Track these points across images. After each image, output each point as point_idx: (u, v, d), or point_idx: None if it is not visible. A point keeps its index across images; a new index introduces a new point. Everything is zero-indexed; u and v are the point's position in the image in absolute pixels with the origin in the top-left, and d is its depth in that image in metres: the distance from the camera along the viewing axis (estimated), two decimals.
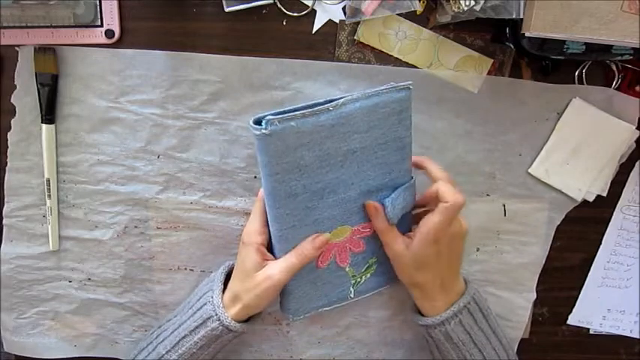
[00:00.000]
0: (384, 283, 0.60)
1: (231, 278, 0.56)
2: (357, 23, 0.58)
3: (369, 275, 0.59)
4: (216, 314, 0.53)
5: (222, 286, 0.56)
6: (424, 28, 0.58)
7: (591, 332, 0.70)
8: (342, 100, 0.50)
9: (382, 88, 0.51)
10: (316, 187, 0.52)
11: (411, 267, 0.55)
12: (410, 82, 0.52)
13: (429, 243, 0.52)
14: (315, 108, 0.49)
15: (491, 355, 0.57)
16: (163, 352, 0.54)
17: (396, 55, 0.59)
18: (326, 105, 0.49)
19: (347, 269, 0.57)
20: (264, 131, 0.47)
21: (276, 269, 0.52)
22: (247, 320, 0.56)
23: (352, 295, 0.59)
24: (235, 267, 0.56)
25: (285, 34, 0.58)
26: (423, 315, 0.57)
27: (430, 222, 0.52)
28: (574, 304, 0.69)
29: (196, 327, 0.53)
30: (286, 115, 0.47)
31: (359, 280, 0.58)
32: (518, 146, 0.62)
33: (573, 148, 0.62)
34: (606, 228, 0.66)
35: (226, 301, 0.54)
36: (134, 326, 0.65)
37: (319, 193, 0.52)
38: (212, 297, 0.54)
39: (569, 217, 0.65)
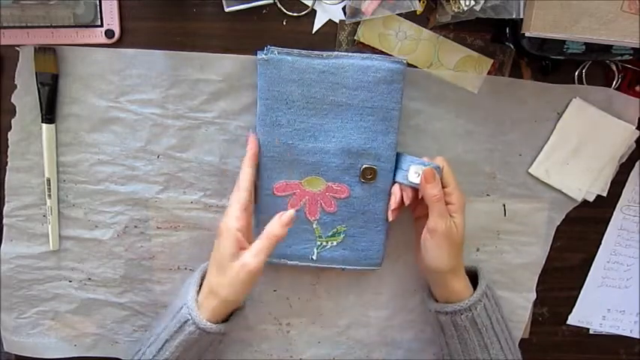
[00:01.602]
0: (350, 261, 0.61)
1: (207, 271, 0.54)
2: (357, 23, 0.58)
3: (335, 243, 0.60)
4: (191, 318, 0.51)
5: (199, 288, 0.54)
6: (424, 28, 0.58)
7: (591, 332, 0.70)
8: (338, 52, 0.56)
9: (377, 55, 0.56)
10: (299, 126, 0.57)
11: (458, 244, 0.55)
12: (405, 58, 0.57)
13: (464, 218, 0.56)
14: (312, 51, 0.56)
15: (508, 341, 0.57)
16: (150, 358, 0.54)
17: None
18: (322, 52, 0.56)
19: (314, 225, 0.59)
20: (263, 56, 0.55)
21: (250, 256, 0.51)
22: (229, 317, 0.55)
23: (314, 257, 0.60)
24: (211, 259, 0.54)
25: (285, 34, 0.58)
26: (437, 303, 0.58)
27: (463, 199, 0.55)
28: (574, 304, 0.69)
29: (175, 332, 0.52)
30: (286, 49, 0.55)
31: (324, 243, 0.60)
32: (518, 146, 0.62)
33: (573, 148, 0.62)
34: (606, 228, 0.66)
35: (202, 297, 0.53)
36: (134, 326, 0.65)
37: (301, 134, 0.57)
38: (187, 300, 0.53)
39: (569, 217, 0.65)
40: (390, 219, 0.58)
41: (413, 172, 0.55)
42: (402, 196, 0.57)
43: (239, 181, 0.55)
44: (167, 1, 0.57)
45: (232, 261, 0.51)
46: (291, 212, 0.53)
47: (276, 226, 0.52)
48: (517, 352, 0.60)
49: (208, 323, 0.51)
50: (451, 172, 0.56)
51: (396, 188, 0.58)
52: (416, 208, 0.59)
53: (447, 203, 0.55)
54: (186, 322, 0.52)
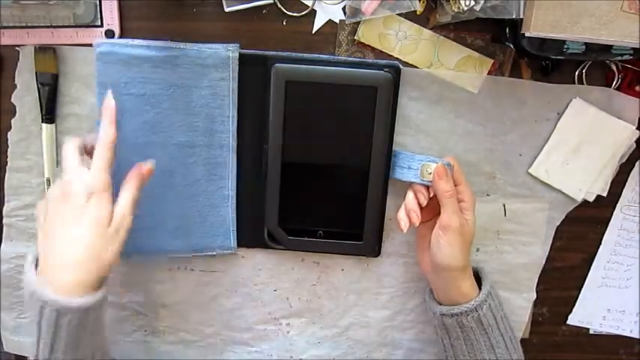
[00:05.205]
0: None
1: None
2: (357, 23, 0.58)
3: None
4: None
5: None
6: (424, 28, 0.58)
7: (591, 332, 0.70)
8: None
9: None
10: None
11: (469, 242, 0.55)
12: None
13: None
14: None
15: (512, 340, 0.57)
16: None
17: (396, 55, 0.59)
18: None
19: None
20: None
21: (128, 207, 0.50)
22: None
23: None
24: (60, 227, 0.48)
25: (285, 34, 0.58)
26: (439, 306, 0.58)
27: (474, 197, 0.56)
28: (574, 304, 0.69)
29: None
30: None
31: None
32: (518, 146, 0.62)
33: (573, 148, 0.62)
34: (606, 228, 0.66)
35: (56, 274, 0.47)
36: (134, 326, 0.65)
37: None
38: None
39: (569, 217, 0.64)
40: (415, 222, 0.56)
41: (424, 170, 0.55)
42: (416, 197, 0.57)
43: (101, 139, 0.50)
44: (167, 1, 0.57)
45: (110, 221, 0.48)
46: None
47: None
48: (520, 350, 0.60)
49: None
50: (461, 171, 0.57)
51: (408, 191, 0.58)
52: (421, 211, 0.59)
53: (458, 201, 0.55)
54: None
